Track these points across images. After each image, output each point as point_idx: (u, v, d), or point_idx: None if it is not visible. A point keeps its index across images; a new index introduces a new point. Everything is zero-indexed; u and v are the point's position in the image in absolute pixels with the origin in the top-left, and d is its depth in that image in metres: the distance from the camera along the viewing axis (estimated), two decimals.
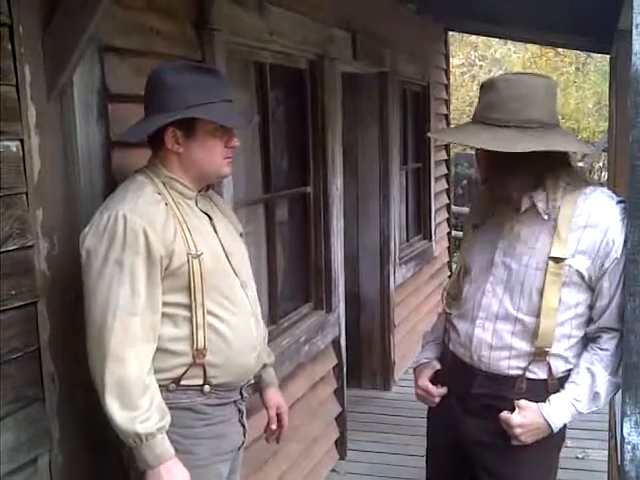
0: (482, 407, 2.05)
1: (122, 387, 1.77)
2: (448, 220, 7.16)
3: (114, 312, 1.78)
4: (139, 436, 1.78)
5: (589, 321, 2.00)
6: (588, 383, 1.95)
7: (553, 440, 2.01)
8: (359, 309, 5.14)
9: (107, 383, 1.77)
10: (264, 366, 2.21)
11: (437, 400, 2.17)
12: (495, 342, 2.02)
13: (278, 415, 2.28)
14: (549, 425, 1.96)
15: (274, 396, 2.28)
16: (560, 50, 12.52)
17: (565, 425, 2.04)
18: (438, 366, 2.20)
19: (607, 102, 7.76)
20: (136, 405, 1.78)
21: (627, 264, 1.81)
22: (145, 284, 1.81)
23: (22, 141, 1.84)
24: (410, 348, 5.65)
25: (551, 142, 1.92)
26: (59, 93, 1.93)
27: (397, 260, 5.29)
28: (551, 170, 1.98)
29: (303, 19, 3.45)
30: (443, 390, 2.15)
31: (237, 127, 1.99)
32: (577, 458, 3.93)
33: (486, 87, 2.02)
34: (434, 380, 2.18)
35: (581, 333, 2.01)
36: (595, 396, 1.95)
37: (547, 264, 1.95)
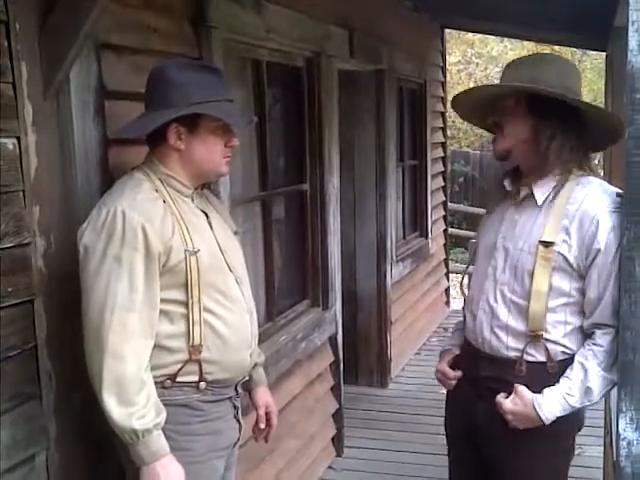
0: (489, 391, 2.09)
1: (120, 384, 1.78)
2: (444, 217, 7.17)
3: (112, 309, 1.78)
4: (136, 432, 1.78)
5: (584, 312, 2.03)
6: (581, 378, 1.97)
7: (563, 431, 2.04)
8: (356, 306, 5.14)
9: (105, 380, 1.77)
10: (254, 365, 2.21)
11: (453, 383, 2.24)
12: (493, 322, 2.08)
13: (267, 414, 2.28)
14: (540, 417, 1.97)
15: (263, 395, 2.28)
16: (556, 47, 12.52)
17: (580, 413, 2.09)
18: (457, 351, 2.29)
19: (603, 99, 7.77)
20: (133, 401, 1.78)
21: (623, 260, 1.81)
22: (143, 280, 1.81)
23: (19, 139, 1.84)
24: (407, 345, 5.66)
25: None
26: (56, 91, 1.93)
27: (394, 257, 5.29)
28: (553, 144, 2.01)
29: (300, 17, 3.45)
30: (458, 373, 2.23)
31: (241, 125, 1.99)
32: None
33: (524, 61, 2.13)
34: (453, 365, 2.26)
35: (579, 321, 2.03)
36: (587, 391, 1.97)
37: (537, 248, 2.00)
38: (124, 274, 1.79)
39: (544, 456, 2.08)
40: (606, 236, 1.92)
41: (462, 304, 2.36)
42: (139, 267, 1.81)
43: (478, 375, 2.14)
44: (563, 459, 2.16)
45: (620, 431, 1.81)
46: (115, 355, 1.78)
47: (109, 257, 1.79)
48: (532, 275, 2.00)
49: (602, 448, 3.68)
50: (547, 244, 1.99)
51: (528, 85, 2.00)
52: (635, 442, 1.80)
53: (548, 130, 2.00)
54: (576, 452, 3.98)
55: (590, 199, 1.99)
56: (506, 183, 2.15)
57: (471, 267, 2.30)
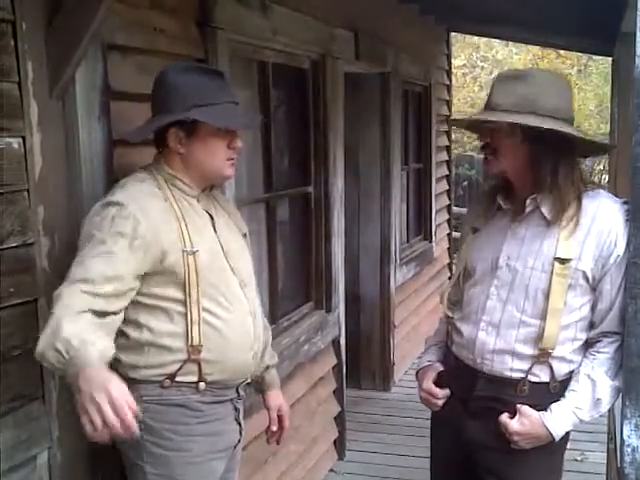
0: (484, 409, 2.04)
1: (54, 321, 1.65)
2: (448, 221, 7.16)
3: (82, 279, 1.72)
4: (59, 352, 1.60)
5: (592, 324, 2.00)
6: (589, 390, 1.94)
7: (557, 442, 2.00)
8: (359, 309, 5.14)
9: (43, 336, 1.65)
10: (267, 368, 2.22)
11: (441, 403, 2.15)
12: (498, 345, 2.01)
13: (279, 417, 2.28)
14: (551, 434, 1.95)
15: (276, 398, 2.28)
16: (562, 52, 12.53)
17: None
18: (441, 368, 2.19)
19: (608, 104, 7.77)
20: (60, 330, 1.62)
21: (629, 267, 1.81)
22: (123, 263, 1.77)
23: (24, 138, 1.84)
24: (410, 349, 5.65)
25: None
26: (61, 90, 1.93)
27: (397, 261, 5.28)
28: (560, 171, 1.96)
29: (306, 19, 3.45)
30: (447, 392, 2.14)
31: (235, 128, 1.98)
32: (576, 460, 3.93)
33: (517, 77, 2.00)
34: (437, 382, 2.17)
35: (585, 336, 2.00)
36: (597, 402, 1.95)
37: (553, 265, 1.95)
38: (103, 254, 1.76)
39: (544, 460, 2.05)
40: (623, 246, 1.89)
41: (443, 318, 2.27)
42: (122, 252, 1.78)
43: (472, 394, 2.07)
44: (559, 459, 2.14)
45: (625, 437, 1.80)
46: (60, 301, 1.68)
47: (95, 239, 1.79)
48: (547, 293, 1.95)
49: (605, 454, 3.66)
50: (563, 261, 1.94)
51: (540, 124, 1.90)
52: None
53: (549, 162, 1.95)
54: (579, 458, 4.01)
55: (603, 211, 1.95)
56: (500, 201, 2.07)
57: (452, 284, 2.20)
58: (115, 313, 1.79)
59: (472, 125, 2.22)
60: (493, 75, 13.90)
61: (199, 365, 1.92)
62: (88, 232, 1.81)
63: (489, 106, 2.00)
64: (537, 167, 1.97)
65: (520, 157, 1.99)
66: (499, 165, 2.02)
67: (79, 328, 1.64)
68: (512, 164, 2.01)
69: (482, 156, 2.10)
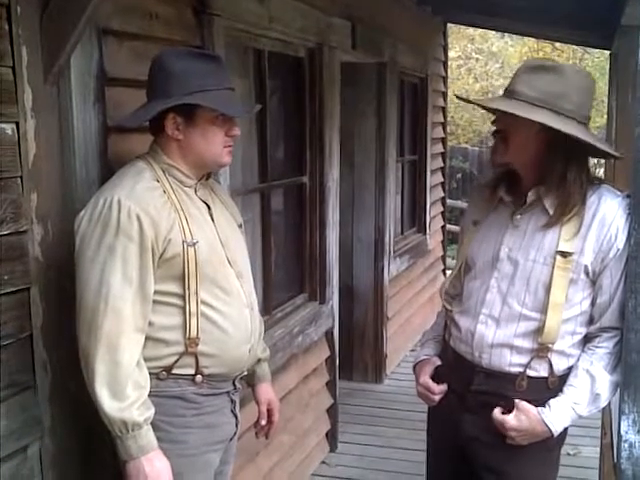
0: (482, 405, 2.02)
1: (113, 375, 1.76)
2: (443, 213, 7.15)
3: (106, 298, 1.76)
4: (126, 426, 1.76)
5: (592, 318, 1.98)
6: (587, 385, 1.93)
7: (554, 438, 1.99)
8: (352, 301, 5.12)
9: (97, 371, 1.76)
10: (258, 361, 2.20)
11: (438, 398, 2.13)
12: (497, 339, 2.00)
13: (269, 411, 2.27)
14: (550, 430, 1.93)
15: (266, 392, 2.27)
16: (557, 45, 12.51)
17: None
18: (438, 362, 2.18)
19: (603, 98, 7.76)
20: (125, 395, 1.76)
21: (629, 261, 1.80)
22: (137, 272, 1.79)
23: (18, 124, 1.81)
24: (403, 341, 5.65)
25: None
26: (56, 76, 1.90)
27: (391, 253, 5.27)
28: (569, 172, 1.94)
29: (303, 7, 3.41)
30: (444, 387, 2.12)
31: (237, 115, 1.96)
32: (569, 454, 3.93)
33: (545, 69, 1.95)
34: (434, 377, 2.15)
35: (585, 330, 1.99)
36: (596, 398, 1.93)
37: (554, 259, 1.93)
38: (118, 264, 1.77)
39: (541, 456, 2.04)
40: (624, 240, 1.88)
41: (441, 312, 2.26)
42: (133, 257, 1.79)
43: (469, 389, 2.05)
44: (556, 454, 2.12)
45: (622, 433, 1.80)
46: (109, 346, 1.76)
47: (103, 247, 1.77)
48: (549, 287, 1.93)
49: (598, 449, 3.66)
50: (565, 254, 1.92)
51: (562, 127, 1.86)
52: (637, 444, 1.79)
53: (560, 161, 1.92)
54: (572, 452, 4.01)
55: (605, 204, 1.93)
56: (502, 193, 2.06)
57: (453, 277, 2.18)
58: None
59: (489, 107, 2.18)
60: (488, 67, 13.90)
61: (196, 358, 1.90)
62: (92, 237, 1.78)
63: (511, 93, 1.96)
64: (547, 164, 1.94)
65: (531, 150, 1.96)
66: (507, 156, 2.00)
67: (139, 390, 1.80)
68: (521, 156, 1.99)
69: (490, 145, 2.06)
